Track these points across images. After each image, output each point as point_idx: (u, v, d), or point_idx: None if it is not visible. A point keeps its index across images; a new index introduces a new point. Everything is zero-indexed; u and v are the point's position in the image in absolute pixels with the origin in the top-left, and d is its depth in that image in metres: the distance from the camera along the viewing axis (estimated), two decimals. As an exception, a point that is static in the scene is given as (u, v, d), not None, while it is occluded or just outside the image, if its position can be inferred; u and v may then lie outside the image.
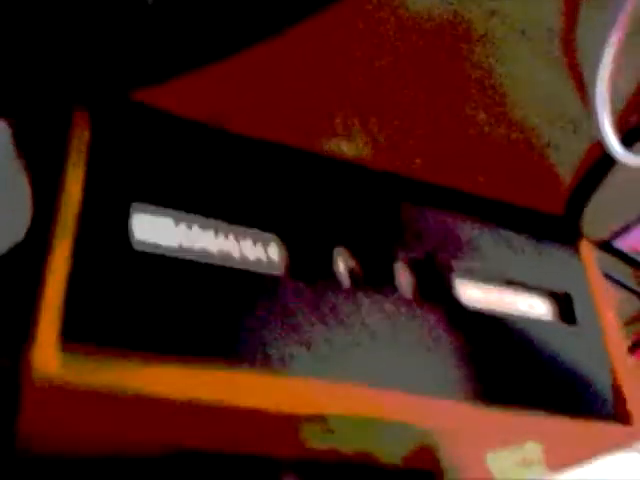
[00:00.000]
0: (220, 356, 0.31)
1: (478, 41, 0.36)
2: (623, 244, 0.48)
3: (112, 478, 0.37)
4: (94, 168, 0.32)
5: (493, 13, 0.35)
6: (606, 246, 0.48)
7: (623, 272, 0.55)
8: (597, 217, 0.46)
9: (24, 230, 0.38)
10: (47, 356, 0.27)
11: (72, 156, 0.33)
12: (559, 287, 0.42)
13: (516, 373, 0.37)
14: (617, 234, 0.47)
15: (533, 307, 0.41)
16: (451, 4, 0.34)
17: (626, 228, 0.47)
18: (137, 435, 0.33)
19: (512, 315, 0.39)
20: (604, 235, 0.47)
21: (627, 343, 0.58)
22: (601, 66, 0.33)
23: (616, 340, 0.41)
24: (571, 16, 0.35)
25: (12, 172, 0.36)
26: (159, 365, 0.29)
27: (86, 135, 0.33)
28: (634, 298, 0.55)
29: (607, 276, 0.53)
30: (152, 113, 0.35)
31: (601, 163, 0.41)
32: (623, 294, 0.56)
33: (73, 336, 0.28)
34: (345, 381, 0.33)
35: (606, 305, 0.42)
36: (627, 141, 0.39)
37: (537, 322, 0.40)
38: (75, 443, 0.33)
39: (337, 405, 0.32)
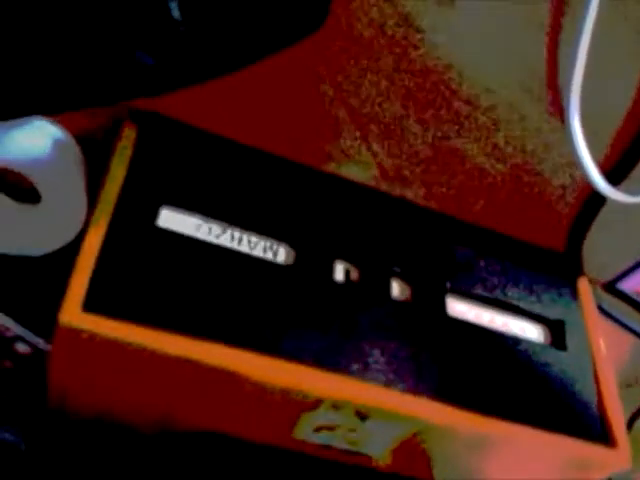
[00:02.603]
0: (221, 334, 0.35)
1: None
2: (626, 286, 0.50)
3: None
4: (133, 170, 0.39)
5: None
6: (610, 287, 0.50)
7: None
8: (600, 258, 0.48)
9: (76, 232, 0.45)
10: (72, 311, 0.33)
11: (115, 160, 0.39)
12: (553, 316, 0.44)
13: (500, 388, 0.40)
14: (621, 276, 0.49)
15: (525, 331, 0.43)
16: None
17: (629, 270, 0.49)
18: (141, 395, 0.37)
19: (501, 334, 0.42)
20: (608, 276, 0.50)
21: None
22: (572, 102, 0.36)
23: (605, 370, 0.43)
24: (554, 59, 0.39)
25: (75, 183, 0.42)
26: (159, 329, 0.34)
27: (130, 143, 0.40)
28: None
29: (624, 326, 0.55)
30: (186, 129, 0.41)
31: (592, 201, 0.44)
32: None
33: (94, 300, 0.33)
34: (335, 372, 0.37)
35: (598, 336, 0.44)
36: (615, 178, 0.42)
37: (527, 344, 0.42)
38: (95, 398, 0.38)
39: (328, 391, 0.36)
